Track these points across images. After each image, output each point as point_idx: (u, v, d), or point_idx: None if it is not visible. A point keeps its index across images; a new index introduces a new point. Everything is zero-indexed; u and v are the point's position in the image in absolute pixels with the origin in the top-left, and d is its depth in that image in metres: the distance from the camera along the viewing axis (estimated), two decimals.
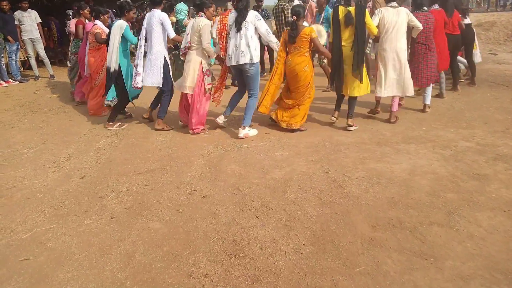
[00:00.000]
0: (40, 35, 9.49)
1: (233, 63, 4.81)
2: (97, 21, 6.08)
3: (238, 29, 4.73)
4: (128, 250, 2.73)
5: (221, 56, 5.12)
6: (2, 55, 9.02)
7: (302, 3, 7.75)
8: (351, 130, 4.95)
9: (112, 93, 5.49)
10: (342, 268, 2.45)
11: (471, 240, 2.67)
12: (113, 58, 5.28)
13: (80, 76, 6.83)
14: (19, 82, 9.33)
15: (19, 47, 9.35)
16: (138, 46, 5.14)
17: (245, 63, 4.75)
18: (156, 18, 5.03)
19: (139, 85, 5.13)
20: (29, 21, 9.20)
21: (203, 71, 5.00)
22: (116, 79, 5.39)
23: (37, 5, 10.73)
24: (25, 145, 4.97)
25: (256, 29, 4.78)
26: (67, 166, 4.24)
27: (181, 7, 7.45)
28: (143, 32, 5.12)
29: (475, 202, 3.14)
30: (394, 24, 4.95)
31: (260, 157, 4.24)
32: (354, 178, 3.65)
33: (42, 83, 9.35)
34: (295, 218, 3.02)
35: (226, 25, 4.96)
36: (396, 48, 5.00)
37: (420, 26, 5.05)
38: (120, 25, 5.24)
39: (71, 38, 7.54)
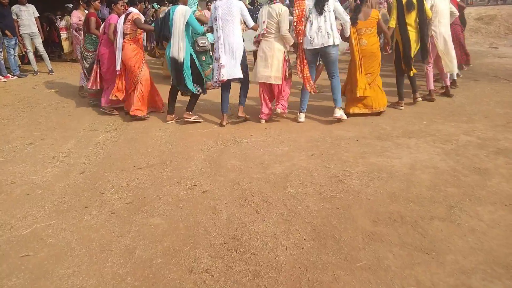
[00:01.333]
0: (38, 30, 9.41)
1: (318, 46, 4.82)
2: (132, 9, 5.50)
3: (320, 12, 4.77)
4: (128, 245, 2.72)
5: (299, 41, 4.96)
6: (1, 50, 8.97)
7: None
8: (419, 101, 5.65)
9: (190, 84, 5.10)
10: (343, 263, 2.45)
11: (472, 234, 2.66)
12: (180, 46, 4.90)
13: (99, 76, 5.98)
14: (18, 77, 9.30)
15: (17, 41, 9.31)
16: (217, 37, 4.88)
17: (329, 45, 4.81)
18: (236, 7, 4.84)
19: (224, 78, 4.86)
20: (27, 16, 9.13)
21: (285, 59, 5.05)
22: (191, 67, 5.04)
23: (38, 0, 10.66)
24: (24, 140, 4.95)
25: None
26: (67, 162, 4.23)
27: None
28: (219, 22, 4.83)
29: (476, 196, 3.13)
30: (443, 9, 5.62)
31: (260, 152, 4.22)
32: (355, 172, 3.64)
33: (41, 78, 9.31)
34: (296, 213, 3.02)
35: (304, 9, 4.88)
36: (445, 30, 5.66)
37: (457, 12, 5.87)
38: (184, 11, 4.87)
39: (74, 32, 7.38)
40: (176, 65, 4.98)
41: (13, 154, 4.49)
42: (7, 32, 8.82)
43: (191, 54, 5.09)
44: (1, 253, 2.70)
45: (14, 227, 3.01)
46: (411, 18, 5.42)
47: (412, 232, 2.72)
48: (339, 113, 4.98)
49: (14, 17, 9.02)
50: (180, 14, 4.86)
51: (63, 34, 11.51)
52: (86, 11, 6.82)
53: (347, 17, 4.94)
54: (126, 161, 4.16)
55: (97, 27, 6.14)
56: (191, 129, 5.11)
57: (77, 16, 7.19)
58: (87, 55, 6.31)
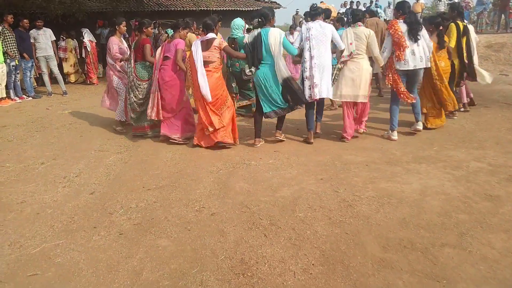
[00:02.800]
0: (54, 53, 9.82)
1: (410, 68, 5.19)
2: (212, 34, 5.16)
3: (415, 39, 5.17)
4: (135, 267, 2.71)
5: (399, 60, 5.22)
6: (18, 72, 9.22)
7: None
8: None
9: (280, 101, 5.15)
10: None
11: (484, 262, 2.61)
12: (282, 66, 5.01)
13: (161, 106, 5.57)
14: (33, 98, 9.50)
15: (34, 64, 9.59)
16: (309, 57, 5.06)
17: (421, 68, 5.27)
18: (329, 29, 5.14)
19: (317, 97, 5.08)
20: (44, 39, 9.56)
21: (371, 79, 5.46)
22: (289, 87, 5.07)
23: (52, 23, 11.02)
24: (36, 160, 5.02)
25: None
26: (77, 182, 4.27)
27: (239, 22, 6.88)
28: (312, 42, 5.05)
29: (488, 224, 3.08)
30: None
31: (269, 175, 4.23)
32: (364, 197, 3.62)
33: (55, 99, 9.50)
34: (304, 238, 2.99)
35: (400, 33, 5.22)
36: None
37: None
38: (278, 33, 5.00)
39: (111, 61, 6.36)
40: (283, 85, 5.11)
41: (25, 174, 4.55)
42: (24, 54, 9.09)
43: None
44: (10, 271, 2.70)
45: (23, 246, 3.02)
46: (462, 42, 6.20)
47: (423, 259, 2.67)
48: (420, 125, 5.54)
49: (32, 40, 9.39)
50: (275, 37, 4.99)
51: (62, 55, 11.79)
52: (122, 38, 6.56)
53: (431, 43, 5.41)
54: (136, 182, 4.19)
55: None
56: (201, 151, 5.14)
57: (117, 43, 6.28)
58: (140, 85, 5.70)
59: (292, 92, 5.06)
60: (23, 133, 6.35)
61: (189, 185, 4.06)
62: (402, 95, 5.28)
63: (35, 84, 10.80)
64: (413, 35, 5.16)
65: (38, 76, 10.81)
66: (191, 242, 2.99)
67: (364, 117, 5.60)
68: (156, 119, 5.60)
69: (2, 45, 8.54)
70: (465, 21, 6.91)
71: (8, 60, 8.70)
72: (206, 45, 5.13)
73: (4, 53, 8.60)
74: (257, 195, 3.75)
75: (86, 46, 11.69)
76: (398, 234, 2.98)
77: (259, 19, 5.11)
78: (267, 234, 3.05)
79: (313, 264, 2.66)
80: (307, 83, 5.08)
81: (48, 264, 2.77)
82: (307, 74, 5.08)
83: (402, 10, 5.32)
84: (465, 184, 3.82)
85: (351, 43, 5.22)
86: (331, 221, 3.22)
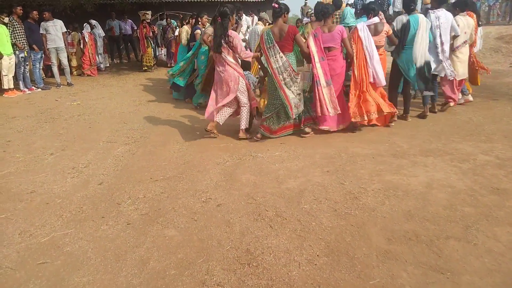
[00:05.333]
0: (64, 44, 9.93)
1: None
2: (376, 18, 5.38)
3: None
4: (143, 256, 2.76)
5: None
6: (27, 63, 9.30)
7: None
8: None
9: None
10: (357, 280, 2.43)
11: (489, 255, 2.61)
12: (423, 52, 5.44)
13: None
14: (42, 89, 9.59)
15: (43, 55, 9.67)
16: (440, 42, 5.67)
17: None
18: (451, 18, 5.67)
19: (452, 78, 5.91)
20: (55, 31, 9.63)
21: None
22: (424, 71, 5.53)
23: (61, 15, 11.07)
24: (45, 151, 5.08)
25: None
26: (86, 172, 4.32)
27: (351, 11, 6.85)
28: (441, 29, 5.63)
29: (494, 217, 3.08)
30: None
31: (275, 167, 4.24)
32: (370, 190, 3.62)
33: (64, 91, 9.57)
34: (310, 229, 3.01)
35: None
36: None
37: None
38: (426, 20, 5.45)
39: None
40: (419, 70, 5.50)
41: (34, 164, 4.62)
42: (34, 46, 9.16)
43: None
44: (20, 259, 2.76)
45: (33, 234, 3.08)
46: None
47: (427, 251, 2.68)
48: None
49: (43, 32, 9.52)
50: (425, 22, 5.43)
51: (70, 49, 11.83)
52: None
53: None
54: (143, 173, 4.23)
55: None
56: (207, 143, 5.17)
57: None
58: (296, 79, 5.05)
59: (425, 78, 5.53)
60: (32, 124, 6.42)
61: (196, 176, 4.10)
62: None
63: (44, 75, 10.88)
64: None
65: (45, 67, 10.90)
66: (198, 232, 3.02)
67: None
68: (320, 115, 5.22)
69: (11, 36, 8.61)
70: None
71: (17, 52, 8.78)
72: (376, 29, 5.37)
73: (13, 44, 8.68)
74: (263, 187, 3.77)
75: (84, 38, 11.71)
76: (403, 226, 2.99)
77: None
78: (272, 225, 3.08)
79: (318, 255, 2.69)
80: (444, 64, 5.78)
81: (57, 253, 2.83)
82: (441, 57, 5.73)
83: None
84: (472, 177, 3.81)
85: (465, 32, 5.89)
86: (336, 213, 3.24)
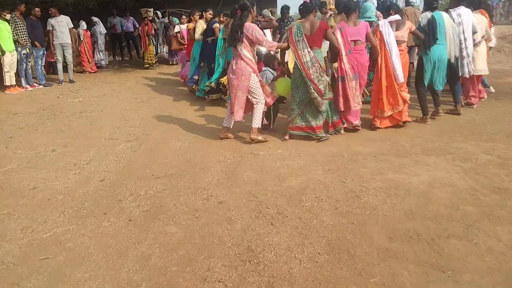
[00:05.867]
0: (71, 41, 9.97)
1: None
2: (397, 16, 5.50)
3: None
4: (144, 252, 2.76)
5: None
6: (29, 60, 9.30)
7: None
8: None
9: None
10: (357, 278, 2.44)
11: (490, 254, 2.61)
12: (456, 46, 5.71)
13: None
14: (44, 86, 9.58)
15: (45, 52, 9.67)
16: (463, 39, 5.78)
17: None
18: (471, 15, 5.83)
19: (473, 73, 6.03)
20: (61, 27, 9.65)
21: None
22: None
23: (63, 12, 11.07)
24: (47, 147, 5.09)
25: None
26: (88, 169, 4.33)
27: (372, 6, 6.33)
28: (463, 26, 5.76)
29: (495, 216, 3.08)
30: None
31: (277, 165, 4.24)
32: (372, 188, 3.63)
33: (66, 87, 9.57)
34: (311, 227, 3.01)
35: None
36: None
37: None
38: (448, 17, 5.65)
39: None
40: (449, 65, 5.70)
41: (36, 160, 4.63)
42: (36, 43, 9.16)
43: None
44: (22, 255, 2.77)
45: (35, 230, 3.09)
46: None
47: (429, 249, 2.68)
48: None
49: (50, 28, 9.59)
50: (449, 18, 5.64)
51: None
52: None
53: None
54: (145, 170, 4.24)
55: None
56: (209, 140, 5.17)
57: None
58: (323, 76, 4.87)
59: (456, 72, 5.80)
60: (34, 121, 6.43)
61: (197, 173, 4.10)
62: None
63: (45, 72, 10.87)
64: None
65: (46, 64, 10.89)
66: (199, 229, 3.03)
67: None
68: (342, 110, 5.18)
69: (13, 33, 8.61)
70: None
71: (19, 48, 8.78)
72: (397, 25, 5.39)
73: (15, 41, 8.68)
74: (265, 185, 3.77)
75: (79, 35, 11.70)
76: (404, 225, 2.99)
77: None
78: (273, 223, 3.08)
79: (319, 253, 2.69)
80: (465, 61, 5.83)
81: (59, 249, 2.84)
82: (464, 53, 5.81)
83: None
84: (473, 176, 3.81)
85: (481, 28, 5.99)
86: (337, 211, 3.24)
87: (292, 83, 5.11)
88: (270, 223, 3.08)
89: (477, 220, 3.03)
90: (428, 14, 5.60)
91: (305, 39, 4.80)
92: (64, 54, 9.96)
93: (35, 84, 9.50)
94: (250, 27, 4.73)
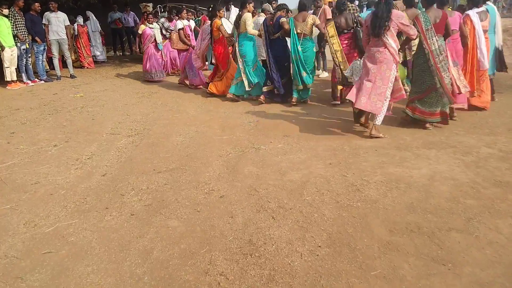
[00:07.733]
0: (67, 37, 9.93)
1: None
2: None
3: None
4: (146, 246, 2.78)
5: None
6: (29, 55, 9.30)
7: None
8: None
9: None
10: (358, 271, 2.45)
11: (490, 247, 2.62)
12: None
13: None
14: (45, 81, 9.59)
15: (46, 47, 9.66)
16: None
17: None
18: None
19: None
20: (57, 22, 9.59)
21: None
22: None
23: (63, 7, 11.05)
24: (49, 142, 5.11)
25: None
26: (89, 164, 4.35)
27: None
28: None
29: (496, 209, 3.08)
30: None
31: (278, 159, 4.25)
32: (372, 182, 3.63)
33: (67, 83, 9.58)
34: (312, 220, 3.03)
35: None
36: None
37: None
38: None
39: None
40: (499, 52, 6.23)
41: (38, 155, 4.64)
42: (36, 38, 9.14)
43: None
44: (25, 249, 2.80)
45: (37, 225, 3.11)
46: None
47: (429, 243, 2.69)
48: None
49: (45, 22, 9.48)
50: (496, 10, 6.12)
51: None
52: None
53: None
54: (147, 165, 4.25)
55: None
56: (210, 135, 5.18)
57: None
58: (447, 64, 5.02)
59: (502, 59, 6.38)
60: (36, 116, 6.45)
61: (198, 168, 4.11)
62: None
63: (47, 67, 10.88)
64: None
65: (48, 59, 10.89)
66: (201, 223, 3.05)
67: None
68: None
69: (12, 28, 8.59)
70: None
71: (18, 44, 8.76)
72: (481, 17, 5.75)
73: (15, 36, 8.67)
74: (266, 179, 3.78)
75: (74, 30, 11.66)
76: (405, 218, 3.00)
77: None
78: (275, 217, 3.10)
79: (319, 246, 2.70)
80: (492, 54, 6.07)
81: (61, 243, 2.86)
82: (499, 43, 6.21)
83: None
84: (474, 170, 3.81)
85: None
86: (338, 204, 3.25)
87: (415, 68, 5.22)
88: (271, 217, 3.09)
89: (478, 213, 3.03)
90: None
91: (433, 27, 4.91)
92: (61, 50, 9.94)
93: (36, 79, 9.51)
94: (401, 15, 4.76)
